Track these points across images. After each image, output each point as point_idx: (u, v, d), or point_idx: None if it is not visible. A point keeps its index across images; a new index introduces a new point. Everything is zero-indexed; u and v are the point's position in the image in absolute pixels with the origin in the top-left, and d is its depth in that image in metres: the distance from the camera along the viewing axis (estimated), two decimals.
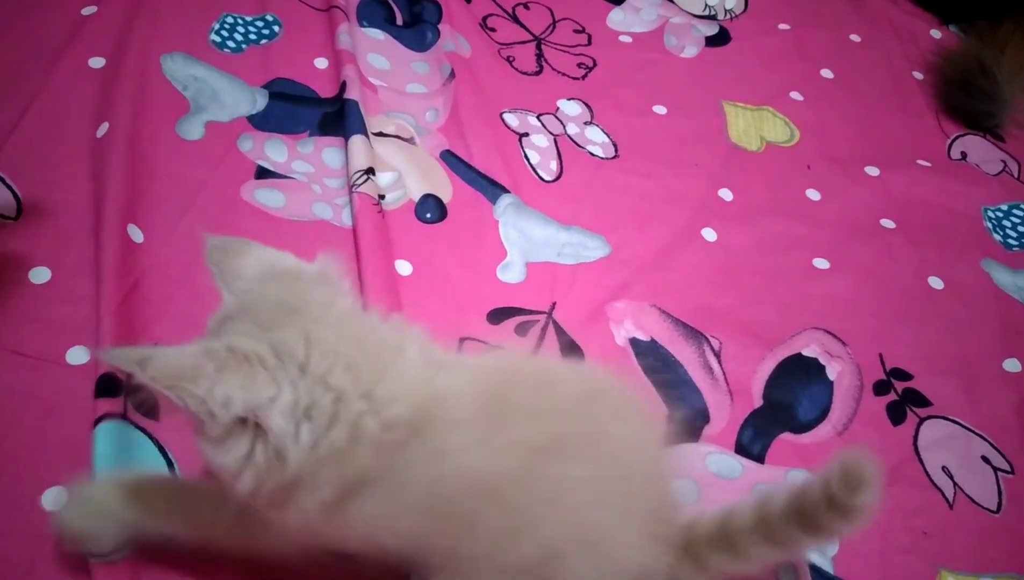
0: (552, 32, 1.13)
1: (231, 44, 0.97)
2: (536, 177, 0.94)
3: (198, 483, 0.55)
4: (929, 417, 0.81)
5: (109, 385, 0.65)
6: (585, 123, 1.02)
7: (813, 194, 0.99)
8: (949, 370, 0.85)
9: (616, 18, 1.18)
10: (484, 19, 1.11)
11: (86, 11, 0.95)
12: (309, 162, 0.88)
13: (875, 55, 1.21)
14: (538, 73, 1.06)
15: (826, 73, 1.16)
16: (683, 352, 0.81)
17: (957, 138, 1.12)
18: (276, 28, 1.00)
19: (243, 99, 0.92)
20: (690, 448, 0.75)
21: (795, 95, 1.12)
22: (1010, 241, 1.00)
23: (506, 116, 0.99)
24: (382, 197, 0.85)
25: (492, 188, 0.90)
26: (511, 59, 1.07)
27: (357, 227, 0.81)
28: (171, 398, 0.44)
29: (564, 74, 1.07)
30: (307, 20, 1.02)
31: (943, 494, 0.76)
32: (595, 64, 1.10)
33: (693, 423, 0.76)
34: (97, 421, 0.63)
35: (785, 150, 1.05)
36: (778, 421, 0.78)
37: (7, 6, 0.93)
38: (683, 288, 0.86)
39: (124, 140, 0.82)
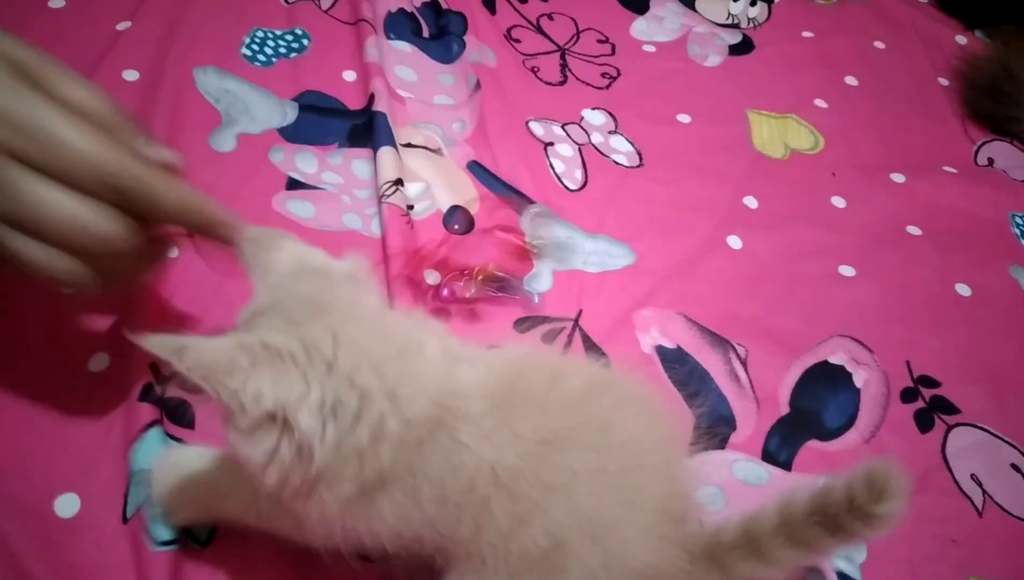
0: (576, 42, 1.14)
1: (261, 58, 0.99)
2: (561, 186, 0.95)
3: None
4: (957, 424, 0.81)
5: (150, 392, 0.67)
6: (609, 132, 1.02)
7: (838, 201, 1.00)
8: (977, 377, 0.85)
9: (639, 28, 1.19)
10: (509, 30, 1.12)
11: (120, 26, 0.97)
12: (339, 173, 0.89)
13: (899, 62, 1.21)
14: (562, 83, 1.08)
15: (850, 80, 1.16)
16: (709, 360, 0.82)
17: (983, 144, 1.12)
18: (305, 42, 1.02)
19: (274, 112, 0.93)
20: (716, 456, 0.75)
21: (819, 103, 1.12)
22: None
23: (531, 125, 1.00)
24: (410, 207, 0.87)
25: (519, 199, 0.91)
26: (536, 69, 1.08)
27: (386, 237, 0.82)
28: (206, 388, 0.45)
29: (588, 84, 1.08)
30: (335, 34, 1.04)
31: (972, 502, 0.76)
32: (619, 74, 1.10)
33: (719, 430, 0.77)
34: (145, 428, 0.65)
35: (810, 157, 1.05)
36: (805, 428, 0.79)
37: (43, 23, 0.96)
38: (709, 296, 0.87)
39: None
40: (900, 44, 1.24)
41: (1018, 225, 1.01)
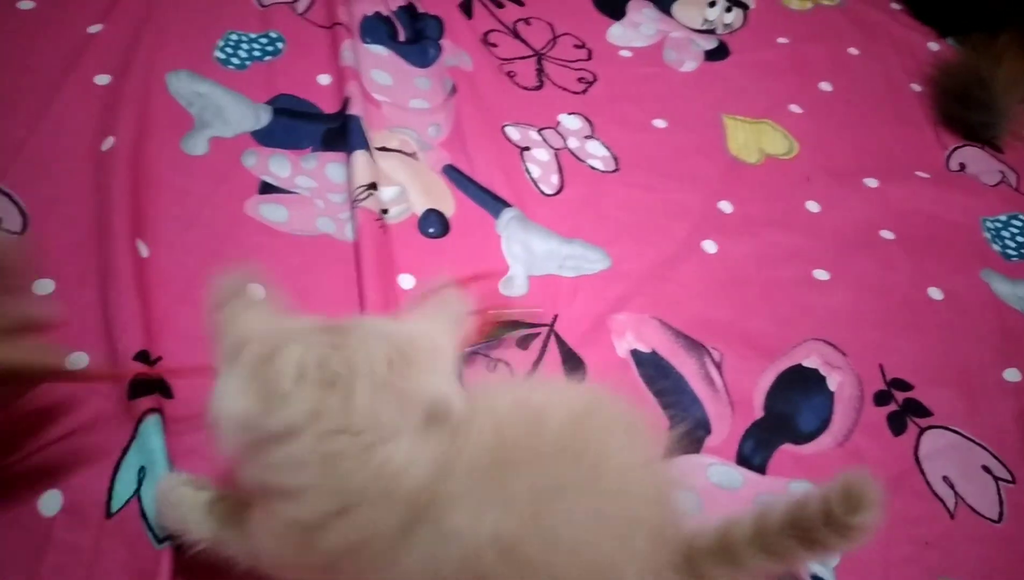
0: (553, 47, 1.14)
1: (235, 61, 0.98)
2: (537, 191, 0.95)
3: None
4: (930, 427, 0.81)
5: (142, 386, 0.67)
6: (586, 137, 1.02)
7: (812, 206, 1.00)
8: (949, 380, 0.86)
9: (616, 33, 1.19)
10: (485, 35, 1.12)
11: (92, 29, 0.96)
12: (312, 177, 0.89)
13: (873, 68, 1.22)
14: (539, 88, 1.08)
15: (825, 86, 1.17)
16: (684, 364, 0.82)
17: (956, 149, 1.13)
18: (280, 45, 1.02)
19: (247, 115, 0.93)
20: (691, 459, 0.75)
21: (794, 108, 1.13)
22: (1009, 251, 1.00)
23: (507, 130, 1.00)
24: (385, 212, 0.86)
25: (494, 203, 0.91)
26: (512, 74, 1.08)
27: (359, 242, 0.82)
28: None
29: (565, 89, 1.08)
30: (310, 37, 1.04)
31: (944, 504, 0.76)
32: (595, 79, 1.11)
33: (694, 434, 0.77)
34: (141, 417, 0.65)
35: (784, 163, 1.06)
36: (779, 432, 0.79)
37: (13, 26, 0.94)
38: (684, 300, 0.87)
39: (129, 156, 0.83)
40: (874, 50, 1.25)
41: (989, 229, 1.02)
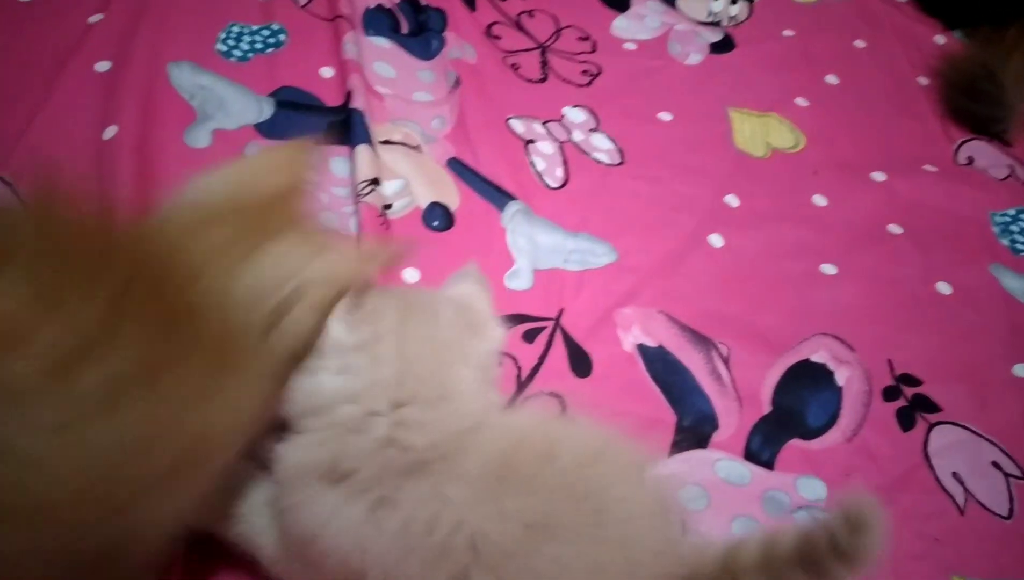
0: (557, 40, 1.13)
1: (237, 53, 0.97)
2: (542, 184, 0.94)
3: None
4: (939, 423, 0.81)
5: None
6: (591, 130, 1.02)
7: (820, 200, 0.99)
8: (958, 375, 0.85)
9: (620, 25, 1.18)
10: (489, 27, 1.11)
11: (92, 19, 0.95)
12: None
13: (880, 61, 1.21)
14: (543, 80, 1.07)
15: (831, 79, 1.16)
16: (691, 358, 0.81)
17: (963, 143, 1.12)
18: (282, 37, 1.01)
19: (250, 107, 0.92)
20: (699, 455, 0.75)
21: (800, 101, 1.12)
22: (1018, 246, 0.99)
23: (512, 123, 0.99)
24: (388, 206, 0.85)
25: (499, 196, 0.90)
26: (516, 66, 1.07)
27: (361, 237, 0.81)
28: None
29: (569, 81, 1.07)
30: (313, 29, 1.03)
31: (954, 500, 0.75)
32: (600, 71, 1.10)
33: (702, 429, 0.76)
34: None
35: (791, 156, 1.05)
36: (787, 427, 0.78)
37: (14, 17, 0.94)
38: (690, 294, 0.86)
39: (132, 148, 0.82)
40: (880, 43, 1.24)
41: (998, 224, 1.02)
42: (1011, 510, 0.76)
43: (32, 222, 0.47)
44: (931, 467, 0.77)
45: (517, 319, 0.80)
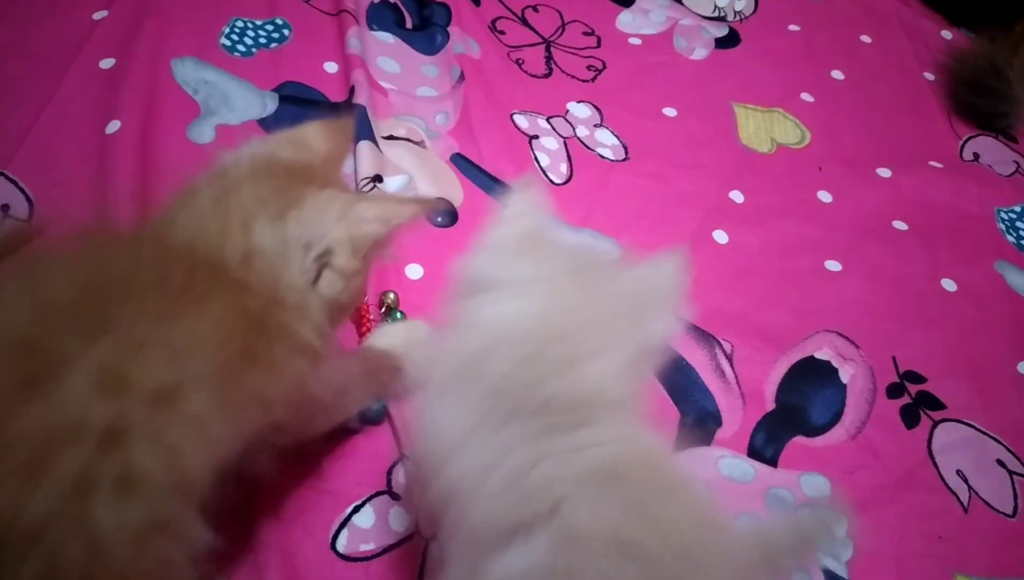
0: (561, 35, 1.13)
1: (241, 48, 0.97)
2: (546, 180, 0.94)
3: None
4: (943, 420, 0.81)
5: None
6: (595, 125, 1.01)
7: (824, 196, 0.99)
8: (963, 373, 0.85)
9: (625, 20, 1.18)
10: (493, 22, 1.11)
11: (97, 15, 0.95)
12: None
13: (885, 56, 1.21)
14: (547, 76, 1.06)
15: (836, 74, 1.16)
16: (695, 355, 0.81)
17: (969, 139, 1.11)
18: (286, 32, 1.00)
19: (253, 102, 0.92)
20: (702, 452, 0.74)
21: (806, 96, 1.11)
22: (1023, 242, 0.99)
23: (516, 118, 0.99)
24: None
25: (503, 191, 0.90)
26: (520, 62, 1.07)
27: None
28: None
29: (573, 76, 1.07)
30: (317, 24, 1.02)
31: (958, 498, 0.75)
32: (604, 66, 1.09)
33: (705, 427, 0.76)
34: None
35: (796, 152, 1.04)
36: (791, 424, 0.78)
37: (18, 13, 0.94)
38: (694, 291, 0.84)
39: (135, 143, 0.82)
40: (886, 38, 1.23)
41: (1003, 220, 1.01)
42: (1015, 508, 0.75)
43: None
44: (935, 465, 0.77)
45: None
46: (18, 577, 0.40)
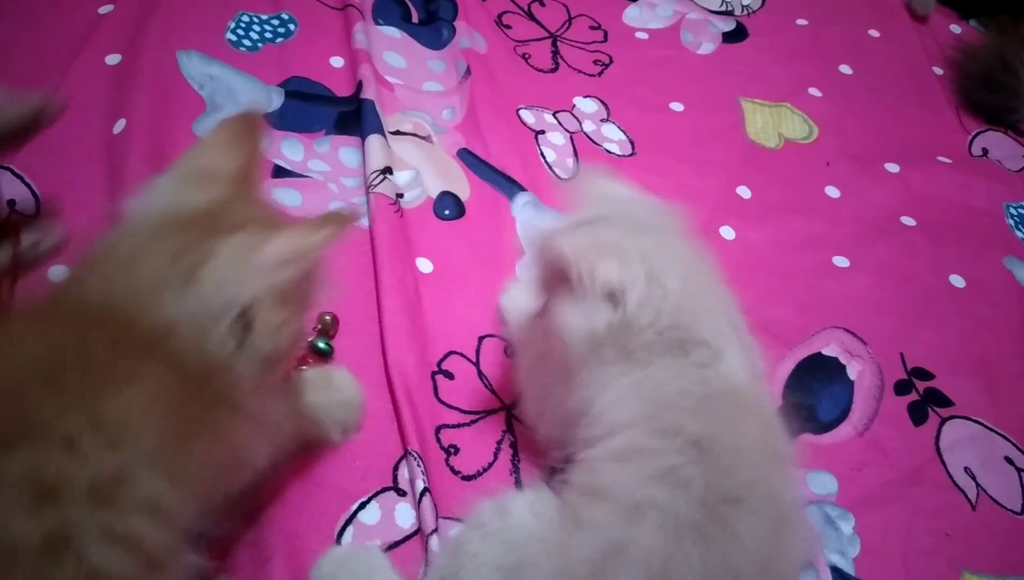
0: (568, 29, 1.12)
1: (247, 43, 0.97)
2: (553, 175, 0.93)
3: None
4: (951, 417, 0.80)
5: None
6: (601, 120, 1.01)
7: (832, 191, 0.99)
8: (971, 369, 0.84)
9: (632, 14, 1.17)
10: (500, 16, 1.11)
11: (103, 10, 0.95)
12: (326, 161, 0.88)
13: (894, 50, 1.20)
14: (554, 70, 1.06)
15: (845, 69, 1.15)
16: None
17: (978, 134, 1.11)
18: (292, 27, 1.00)
19: (259, 97, 0.91)
20: None
21: (813, 91, 1.11)
22: None
23: (522, 113, 0.99)
24: (400, 196, 0.85)
25: (509, 185, 0.90)
26: (527, 56, 1.07)
27: (374, 228, 0.81)
28: (571, 266, 0.56)
29: (580, 71, 1.07)
30: (323, 18, 1.02)
31: (966, 495, 0.75)
32: (611, 61, 1.09)
33: None
34: None
35: (804, 147, 1.04)
36: (798, 421, 0.77)
37: (23, 6, 0.94)
38: None
39: (142, 139, 0.82)
40: (895, 32, 1.23)
41: (1012, 216, 1.01)
42: (1023, 506, 0.75)
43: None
44: (943, 462, 0.77)
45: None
46: None
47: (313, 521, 0.63)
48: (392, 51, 1.01)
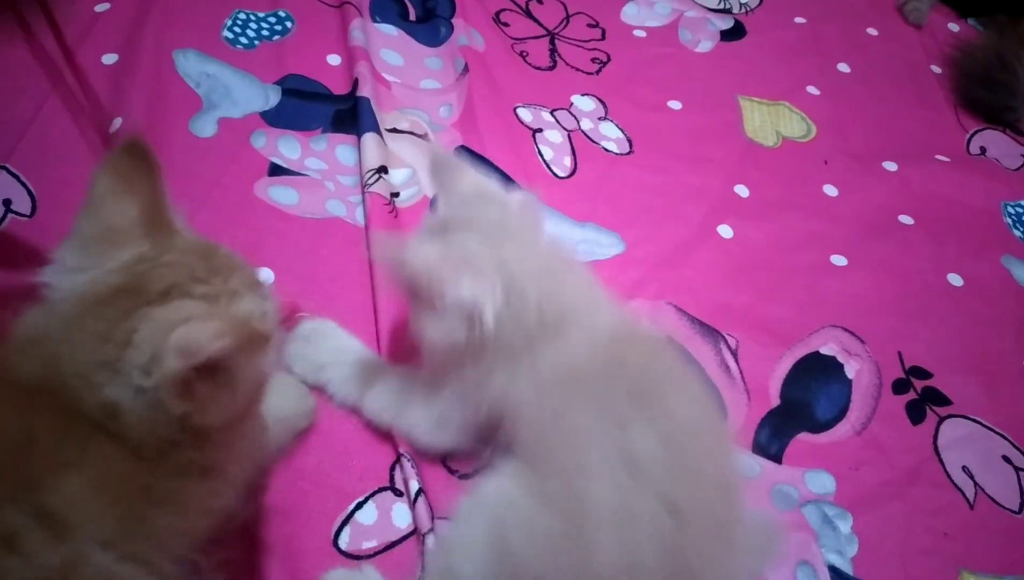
0: (566, 27, 1.12)
1: (243, 40, 0.96)
2: (550, 173, 0.93)
3: None
4: (949, 416, 0.80)
5: None
6: (599, 118, 1.01)
7: (830, 190, 0.98)
8: (969, 368, 0.84)
9: (630, 12, 1.17)
10: (497, 14, 1.10)
11: (99, 8, 0.94)
12: (322, 159, 0.87)
13: (892, 49, 1.20)
14: (552, 68, 1.06)
15: (843, 67, 1.15)
16: (700, 350, 0.80)
17: (976, 133, 1.11)
18: (288, 24, 1.00)
19: (256, 96, 0.91)
20: None
21: (812, 89, 1.11)
22: None
23: (520, 111, 0.98)
24: (395, 195, 0.85)
25: (507, 183, 0.89)
26: (525, 54, 1.06)
27: (369, 227, 0.80)
28: (423, 286, 0.56)
29: (578, 69, 1.06)
30: (320, 16, 1.02)
31: (964, 494, 0.75)
32: (609, 59, 1.09)
33: None
34: None
35: (802, 145, 1.04)
36: (796, 421, 0.78)
37: (20, 6, 0.93)
38: (699, 286, 0.86)
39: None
40: (893, 31, 1.23)
41: (1010, 214, 1.01)
42: (1021, 504, 0.75)
43: None
44: (941, 461, 0.77)
45: None
46: None
47: (311, 521, 0.63)
48: (389, 49, 1.01)
